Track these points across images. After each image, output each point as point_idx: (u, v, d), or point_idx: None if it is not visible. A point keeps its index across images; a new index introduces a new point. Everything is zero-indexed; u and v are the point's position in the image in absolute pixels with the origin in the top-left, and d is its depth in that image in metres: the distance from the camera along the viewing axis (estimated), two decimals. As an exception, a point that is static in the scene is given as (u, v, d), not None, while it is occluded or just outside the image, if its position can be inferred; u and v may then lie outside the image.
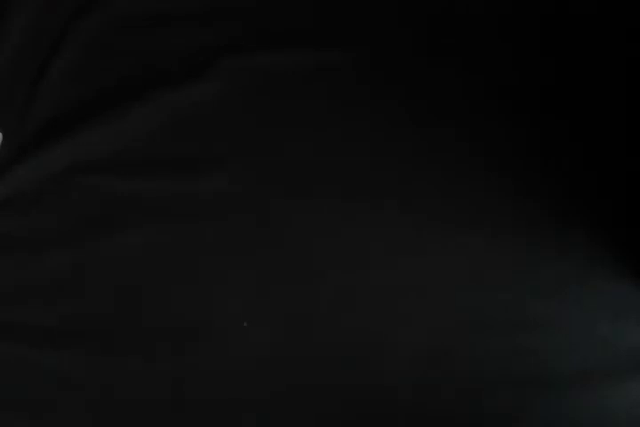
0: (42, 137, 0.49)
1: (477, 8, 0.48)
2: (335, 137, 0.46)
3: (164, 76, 0.48)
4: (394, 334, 0.43)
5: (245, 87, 0.48)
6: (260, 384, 0.42)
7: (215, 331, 0.43)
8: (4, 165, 0.49)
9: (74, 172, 0.47)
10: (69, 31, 0.50)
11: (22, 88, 0.50)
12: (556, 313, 0.43)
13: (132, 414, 0.43)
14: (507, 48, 0.47)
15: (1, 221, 0.48)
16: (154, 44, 0.49)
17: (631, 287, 0.43)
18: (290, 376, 0.42)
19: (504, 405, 0.42)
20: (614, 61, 0.47)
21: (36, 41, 0.51)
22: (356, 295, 0.43)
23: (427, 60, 0.47)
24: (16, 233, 0.47)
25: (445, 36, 0.47)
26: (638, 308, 0.43)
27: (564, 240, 0.44)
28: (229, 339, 0.43)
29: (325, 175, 0.46)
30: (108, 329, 0.44)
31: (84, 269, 0.45)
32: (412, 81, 0.47)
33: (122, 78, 0.49)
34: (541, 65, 0.47)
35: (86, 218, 0.46)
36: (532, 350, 0.42)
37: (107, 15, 0.50)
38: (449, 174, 0.45)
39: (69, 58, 0.50)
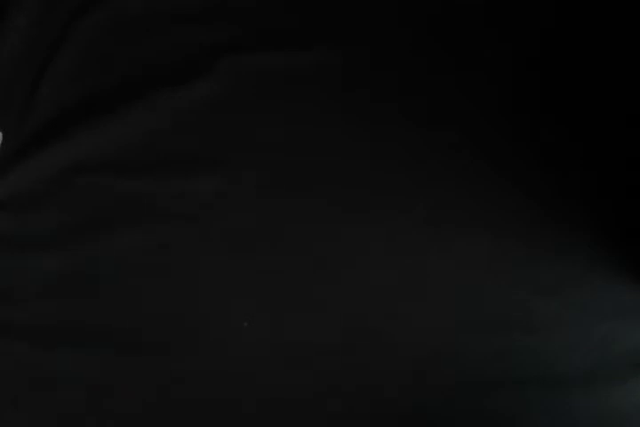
0: (42, 137, 0.49)
1: (477, 8, 0.48)
2: (335, 137, 0.46)
3: (164, 76, 0.48)
4: (394, 334, 0.43)
5: (246, 87, 0.48)
6: (260, 385, 0.42)
7: (215, 331, 0.43)
8: (4, 165, 0.49)
9: (74, 172, 0.47)
10: (69, 31, 0.50)
11: (22, 88, 0.50)
12: (556, 313, 0.43)
13: (132, 414, 0.43)
14: (507, 48, 0.47)
15: (1, 220, 0.48)
16: (154, 43, 0.49)
17: (631, 287, 0.43)
18: (290, 376, 0.42)
19: (504, 405, 0.42)
20: (614, 61, 0.47)
21: (36, 41, 0.51)
22: (357, 295, 0.43)
23: (427, 60, 0.47)
24: (16, 233, 0.47)
25: (445, 36, 0.47)
26: (638, 308, 0.43)
27: (564, 240, 0.44)
28: (229, 339, 0.43)
29: (325, 175, 0.46)
30: (108, 329, 0.44)
31: (84, 268, 0.45)
32: (412, 81, 0.47)
33: (122, 78, 0.49)
34: (541, 65, 0.47)
35: (86, 218, 0.46)
36: (532, 350, 0.42)
37: (107, 15, 0.50)
38: (449, 174, 0.45)
39: (69, 58, 0.50)
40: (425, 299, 0.43)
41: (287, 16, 0.49)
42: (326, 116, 0.47)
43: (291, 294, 0.44)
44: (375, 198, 0.45)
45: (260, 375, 0.42)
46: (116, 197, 0.47)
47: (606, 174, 0.45)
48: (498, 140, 0.45)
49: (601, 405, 0.41)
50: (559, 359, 0.42)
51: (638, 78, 0.46)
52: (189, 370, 0.43)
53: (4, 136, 0.51)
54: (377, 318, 0.43)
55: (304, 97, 0.47)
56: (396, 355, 0.42)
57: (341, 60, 0.47)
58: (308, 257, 0.44)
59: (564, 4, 0.47)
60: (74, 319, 0.44)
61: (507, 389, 0.42)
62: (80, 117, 0.48)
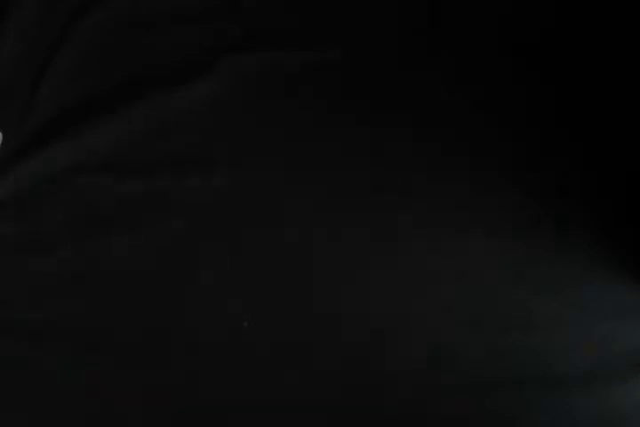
0: (42, 137, 0.49)
1: (478, 8, 0.48)
2: (335, 137, 0.46)
3: (165, 76, 0.48)
4: (394, 333, 0.43)
5: (245, 87, 0.48)
6: (260, 384, 0.42)
7: (215, 331, 0.43)
8: (4, 165, 0.49)
9: (74, 172, 0.47)
10: (69, 31, 0.50)
11: (22, 88, 0.50)
12: (556, 313, 0.42)
13: (132, 413, 0.43)
14: (507, 48, 0.47)
15: (1, 220, 0.48)
16: (154, 44, 0.49)
17: (631, 287, 0.43)
18: (289, 376, 0.42)
19: (504, 405, 0.41)
20: (614, 62, 0.47)
21: (36, 41, 0.51)
22: (356, 295, 0.43)
23: (426, 59, 0.47)
24: (16, 233, 0.47)
25: (445, 36, 0.47)
26: (638, 308, 0.43)
27: (564, 240, 0.44)
28: (229, 339, 0.43)
29: (325, 175, 0.46)
30: (108, 329, 0.44)
31: (84, 268, 0.45)
32: (412, 81, 0.47)
33: (122, 78, 0.49)
34: (541, 65, 0.47)
35: (86, 218, 0.46)
36: (532, 350, 0.42)
37: (107, 15, 0.50)
38: (448, 174, 0.45)
39: (70, 58, 0.50)
40: (425, 299, 0.43)
41: (287, 16, 0.49)
42: (326, 115, 0.47)
43: (291, 295, 0.44)
44: (376, 198, 0.45)
45: (259, 375, 0.42)
46: (115, 197, 0.46)
47: (606, 174, 0.45)
48: (498, 140, 0.45)
49: (601, 405, 0.41)
50: (559, 359, 0.42)
51: (638, 79, 0.46)
52: (189, 370, 0.43)
53: (4, 136, 0.51)
54: (377, 318, 0.43)
55: (304, 97, 0.47)
56: (395, 355, 0.42)
57: (341, 61, 0.47)
58: (308, 257, 0.44)
59: (564, 3, 0.47)
60: (74, 319, 0.44)
61: (507, 389, 0.41)
62: (80, 117, 0.48)
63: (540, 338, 0.42)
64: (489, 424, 0.41)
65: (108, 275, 0.45)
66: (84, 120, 0.48)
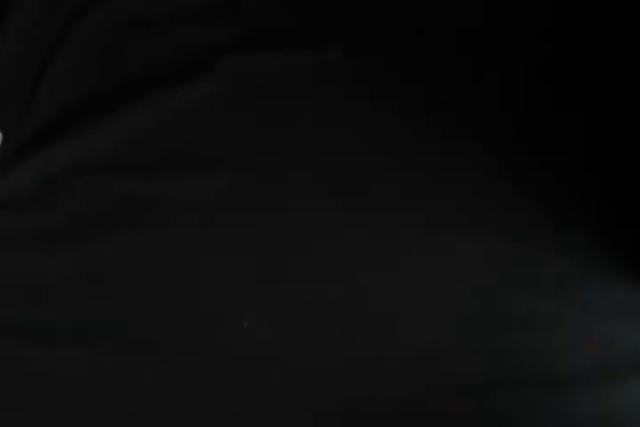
0: (42, 137, 0.49)
1: (478, 8, 0.48)
2: (335, 137, 0.46)
3: (165, 76, 0.48)
4: (393, 333, 0.43)
5: (246, 87, 0.48)
6: (260, 385, 0.42)
7: (215, 331, 0.43)
8: (4, 165, 0.49)
9: (74, 172, 0.47)
10: (69, 31, 0.50)
11: (22, 88, 0.50)
12: (556, 313, 0.42)
13: (133, 413, 0.43)
14: (507, 49, 0.47)
15: (1, 220, 0.48)
16: (154, 43, 0.49)
17: (631, 287, 0.43)
18: (290, 376, 0.42)
19: (504, 405, 0.41)
20: (614, 61, 0.47)
21: (36, 41, 0.51)
22: (357, 295, 0.43)
23: (427, 60, 0.47)
24: (16, 233, 0.47)
25: (446, 36, 0.47)
26: (638, 308, 0.43)
27: (564, 240, 0.44)
28: (229, 339, 0.43)
29: (326, 175, 0.46)
30: (108, 329, 0.44)
31: (84, 268, 0.45)
32: (413, 81, 0.47)
33: (122, 78, 0.49)
34: (541, 65, 0.47)
35: (86, 218, 0.46)
36: (532, 350, 0.42)
37: (107, 15, 0.50)
38: (448, 174, 0.45)
39: (70, 58, 0.50)
40: (425, 299, 0.43)
41: (287, 16, 0.49)
42: (326, 116, 0.47)
43: (291, 294, 0.44)
44: (376, 198, 0.45)
45: (258, 375, 0.42)
46: (115, 197, 0.46)
47: (606, 174, 0.45)
48: (497, 140, 0.45)
49: (601, 405, 0.41)
50: (559, 359, 0.42)
51: (638, 78, 0.46)
52: (190, 371, 0.43)
53: (4, 136, 0.51)
54: (377, 318, 0.43)
55: (304, 97, 0.47)
56: (396, 355, 0.42)
57: (341, 60, 0.47)
58: (308, 257, 0.44)
59: (564, 3, 0.47)
60: (74, 319, 0.44)
61: (507, 389, 0.41)
62: (80, 117, 0.48)
63: (540, 338, 0.42)
64: (489, 424, 0.41)
65: (107, 275, 0.45)
66: (84, 120, 0.48)
